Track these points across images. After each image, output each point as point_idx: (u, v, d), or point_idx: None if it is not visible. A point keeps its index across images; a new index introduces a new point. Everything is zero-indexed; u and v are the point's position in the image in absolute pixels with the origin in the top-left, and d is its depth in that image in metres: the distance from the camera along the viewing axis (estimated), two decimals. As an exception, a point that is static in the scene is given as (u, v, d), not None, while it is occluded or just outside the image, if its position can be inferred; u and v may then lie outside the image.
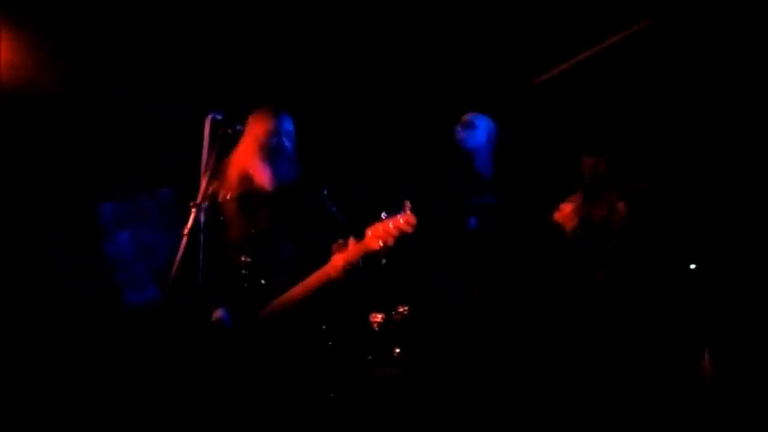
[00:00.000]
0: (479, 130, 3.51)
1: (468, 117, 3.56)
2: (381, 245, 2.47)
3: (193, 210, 2.50)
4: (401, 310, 3.23)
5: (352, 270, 2.58)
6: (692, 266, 3.22)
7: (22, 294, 3.46)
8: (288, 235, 2.93)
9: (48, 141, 3.89)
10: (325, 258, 2.66)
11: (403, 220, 2.44)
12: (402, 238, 2.46)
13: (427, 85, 4.52)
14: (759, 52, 3.27)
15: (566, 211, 3.18)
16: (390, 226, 2.45)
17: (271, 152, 2.91)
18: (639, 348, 3.18)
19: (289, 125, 2.99)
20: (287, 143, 2.95)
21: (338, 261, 2.60)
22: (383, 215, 2.48)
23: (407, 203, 2.45)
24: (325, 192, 3.00)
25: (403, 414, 3.13)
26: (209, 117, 2.59)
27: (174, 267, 2.45)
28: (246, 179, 2.95)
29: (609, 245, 3.26)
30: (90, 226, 3.69)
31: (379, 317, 3.19)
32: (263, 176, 2.92)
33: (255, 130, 2.90)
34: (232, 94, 3.74)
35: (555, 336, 3.24)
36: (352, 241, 2.57)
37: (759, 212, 3.15)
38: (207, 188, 2.56)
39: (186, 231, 2.48)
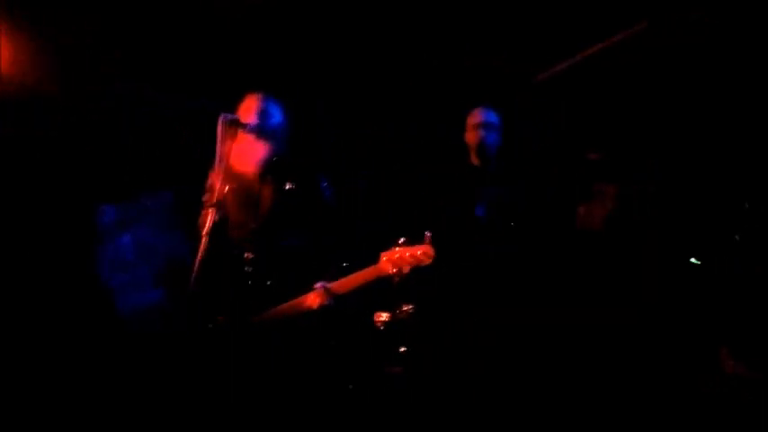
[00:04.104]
0: (494, 127, 3.65)
1: (483, 116, 3.68)
2: (395, 271, 2.53)
3: (211, 210, 2.49)
4: (406, 308, 3.26)
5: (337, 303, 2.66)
6: (693, 260, 3.34)
7: (21, 296, 3.44)
8: (288, 224, 2.88)
9: (47, 142, 3.86)
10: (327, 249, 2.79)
11: (421, 252, 2.50)
12: (419, 268, 2.52)
13: (432, 81, 4.62)
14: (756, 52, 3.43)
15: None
16: (407, 255, 2.51)
17: (248, 134, 2.78)
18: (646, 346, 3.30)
19: (267, 105, 2.90)
20: (264, 121, 2.83)
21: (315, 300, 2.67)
22: (401, 240, 2.55)
23: (428, 234, 2.50)
24: (324, 182, 2.97)
25: (408, 411, 3.18)
26: (222, 116, 2.59)
27: (196, 270, 2.42)
28: (237, 172, 2.84)
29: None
30: (86, 228, 3.65)
31: (383, 316, 3.22)
32: (244, 161, 2.84)
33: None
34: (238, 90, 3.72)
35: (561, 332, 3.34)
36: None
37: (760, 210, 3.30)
38: (221, 187, 2.55)
39: (206, 232, 2.45)
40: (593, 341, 3.45)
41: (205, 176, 2.85)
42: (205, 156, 2.63)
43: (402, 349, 3.22)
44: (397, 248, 2.56)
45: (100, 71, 4.06)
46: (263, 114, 2.84)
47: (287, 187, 2.87)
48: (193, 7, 4.07)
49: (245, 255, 2.84)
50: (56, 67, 3.92)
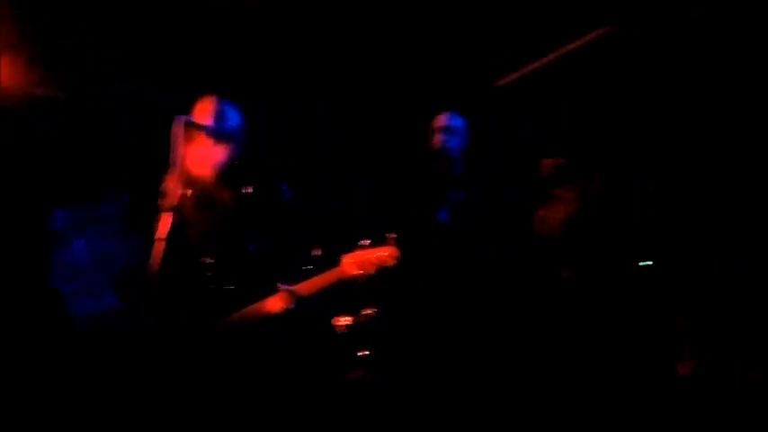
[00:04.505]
0: (458, 133, 3.64)
1: (447, 120, 3.66)
2: (359, 273, 2.54)
3: (168, 214, 2.48)
4: (366, 312, 3.24)
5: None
6: (643, 263, 3.30)
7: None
8: (248, 227, 2.87)
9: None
10: (288, 252, 2.78)
11: (385, 253, 2.52)
12: (384, 270, 2.53)
13: (396, 84, 4.61)
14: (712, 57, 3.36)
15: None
16: (372, 256, 2.53)
17: (205, 138, 2.76)
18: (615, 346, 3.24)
19: (223, 108, 2.85)
20: (220, 124, 2.79)
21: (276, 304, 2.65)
22: (364, 242, 2.56)
23: (391, 236, 2.50)
24: (284, 184, 2.98)
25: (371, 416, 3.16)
26: (178, 119, 2.55)
27: (152, 275, 2.41)
28: (194, 175, 2.82)
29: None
30: (38, 233, 3.63)
31: (342, 320, 3.18)
32: (200, 165, 2.81)
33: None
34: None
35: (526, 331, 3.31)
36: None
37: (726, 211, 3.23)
38: (178, 191, 2.55)
39: (164, 236, 2.44)
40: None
41: (160, 180, 2.82)
42: (161, 159, 2.63)
43: (363, 353, 3.20)
44: (361, 251, 2.57)
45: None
46: (219, 117, 2.80)
47: (244, 191, 2.86)
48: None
49: (205, 259, 2.80)
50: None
